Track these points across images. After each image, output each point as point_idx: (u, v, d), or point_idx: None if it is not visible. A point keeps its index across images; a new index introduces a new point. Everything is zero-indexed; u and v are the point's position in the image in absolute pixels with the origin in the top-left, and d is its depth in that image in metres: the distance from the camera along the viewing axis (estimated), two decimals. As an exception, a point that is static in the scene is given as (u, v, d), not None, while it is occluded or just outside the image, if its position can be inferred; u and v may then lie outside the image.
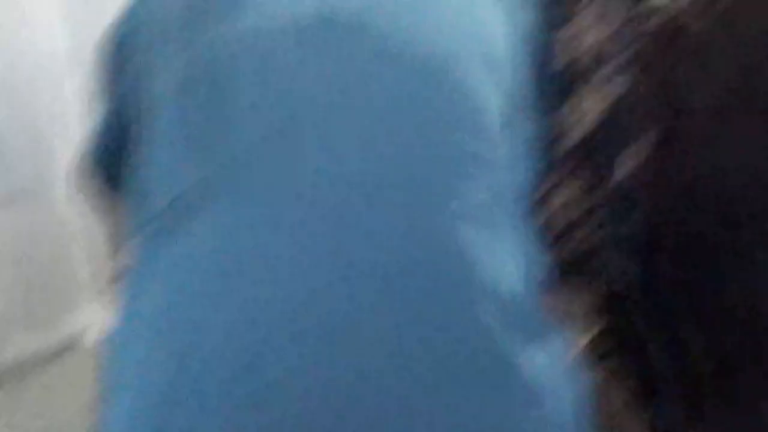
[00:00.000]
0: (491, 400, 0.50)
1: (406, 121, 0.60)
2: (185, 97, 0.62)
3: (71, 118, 1.36)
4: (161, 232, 0.59)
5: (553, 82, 0.69)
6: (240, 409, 0.49)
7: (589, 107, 0.66)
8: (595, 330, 0.67)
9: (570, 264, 0.65)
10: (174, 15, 0.68)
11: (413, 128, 0.60)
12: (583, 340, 0.66)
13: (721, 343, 0.62)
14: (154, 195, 0.62)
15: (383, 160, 0.57)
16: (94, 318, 1.45)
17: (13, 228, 1.41)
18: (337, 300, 0.51)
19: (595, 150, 0.65)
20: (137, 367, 0.54)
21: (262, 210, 0.56)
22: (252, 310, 0.52)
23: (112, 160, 0.74)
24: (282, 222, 0.54)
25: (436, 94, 0.61)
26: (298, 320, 0.51)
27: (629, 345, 0.67)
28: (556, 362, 0.55)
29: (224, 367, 0.50)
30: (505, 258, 0.56)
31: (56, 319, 1.48)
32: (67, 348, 1.46)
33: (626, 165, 0.64)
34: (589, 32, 0.66)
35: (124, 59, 0.72)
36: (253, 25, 0.63)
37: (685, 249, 0.62)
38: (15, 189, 1.40)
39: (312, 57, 0.60)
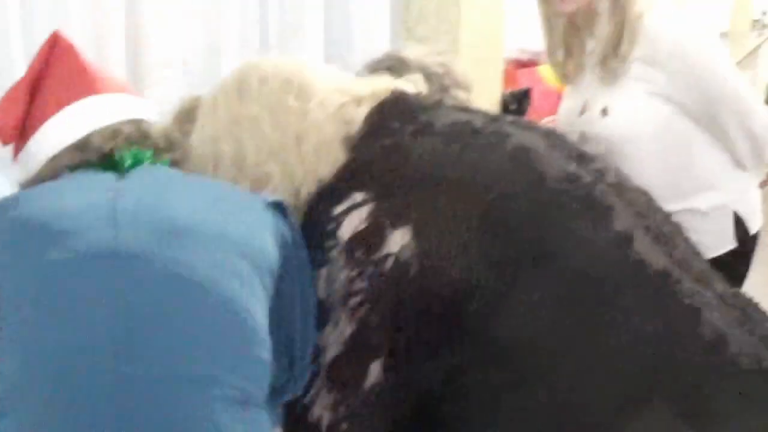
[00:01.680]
0: None
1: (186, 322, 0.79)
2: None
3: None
4: None
5: (316, 308, 0.91)
6: None
7: (341, 331, 0.88)
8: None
9: None
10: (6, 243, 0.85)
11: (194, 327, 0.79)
12: None
13: None
14: None
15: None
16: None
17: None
18: None
19: (346, 363, 0.89)
20: None
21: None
22: None
23: None
24: None
25: (205, 307, 0.80)
26: None
27: None
28: None
29: None
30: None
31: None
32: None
33: (372, 375, 0.88)
34: (338, 275, 0.88)
35: None
36: (59, 256, 0.80)
37: None
38: None
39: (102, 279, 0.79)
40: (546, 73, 2.96)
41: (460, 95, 1.40)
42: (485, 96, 2.52)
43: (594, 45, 1.54)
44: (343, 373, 0.91)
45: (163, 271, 0.82)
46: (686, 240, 1.10)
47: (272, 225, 0.92)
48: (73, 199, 0.89)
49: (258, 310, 0.86)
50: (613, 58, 1.47)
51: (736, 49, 5.51)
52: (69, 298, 0.81)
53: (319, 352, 0.92)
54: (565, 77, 1.65)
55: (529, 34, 3.16)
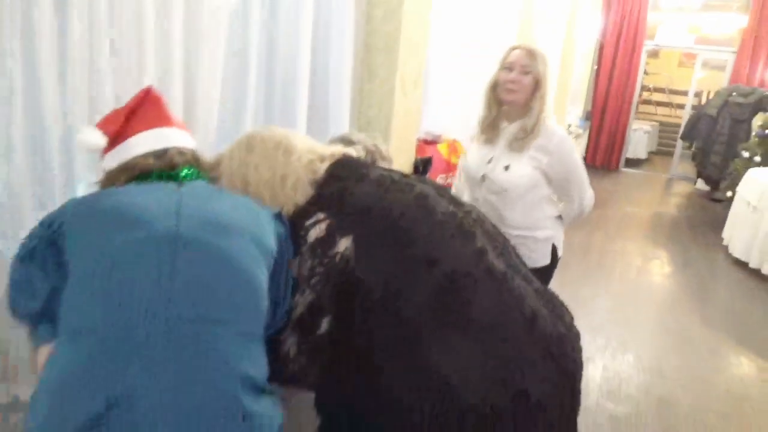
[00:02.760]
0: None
1: (219, 285, 1.02)
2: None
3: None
4: None
5: (290, 282, 1.17)
6: None
7: (305, 298, 1.19)
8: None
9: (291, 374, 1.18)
10: (92, 225, 1.02)
11: (224, 291, 1.03)
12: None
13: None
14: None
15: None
16: None
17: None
18: None
19: (306, 318, 1.18)
20: None
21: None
22: None
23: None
24: None
25: (233, 275, 1.04)
26: None
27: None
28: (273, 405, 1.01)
29: None
30: (257, 357, 1.02)
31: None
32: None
33: (323, 326, 1.18)
34: (306, 263, 1.19)
35: (56, 243, 1.04)
36: (136, 236, 0.99)
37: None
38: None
39: (165, 254, 0.99)
40: (442, 149, 3.44)
41: (384, 163, 1.77)
42: (405, 159, 2.96)
43: (507, 124, 2.03)
44: (305, 324, 1.17)
45: (208, 250, 1.01)
46: (517, 255, 1.41)
47: (274, 226, 1.15)
48: (145, 197, 1.06)
49: (263, 280, 1.07)
50: (524, 139, 1.96)
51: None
52: (138, 263, 0.96)
53: (291, 309, 1.17)
54: (482, 137, 2.12)
55: (431, 122, 3.68)
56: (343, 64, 2.49)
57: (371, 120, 2.73)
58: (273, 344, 1.15)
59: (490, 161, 2.06)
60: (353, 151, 1.43)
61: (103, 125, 1.23)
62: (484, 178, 2.05)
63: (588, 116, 9.13)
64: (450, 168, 3.54)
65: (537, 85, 1.97)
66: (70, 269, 0.98)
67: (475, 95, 4.16)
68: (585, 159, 9.06)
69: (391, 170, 1.42)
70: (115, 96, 1.53)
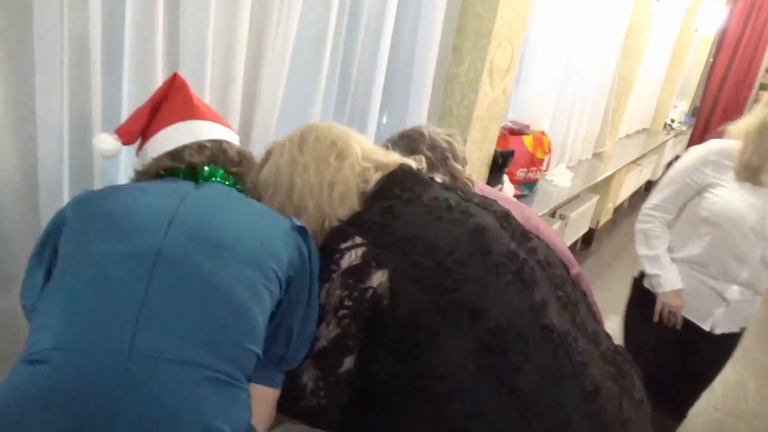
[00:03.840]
0: None
1: (216, 306, 0.89)
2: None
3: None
4: None
5: (315, 306, 1.04)
6: None
7: (330, 331, 1.04)
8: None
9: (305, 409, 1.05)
10: (83, 227, 0.93)
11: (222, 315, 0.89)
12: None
13: None
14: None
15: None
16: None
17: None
18: None
19: (330, 354, 1.04)
20: None
21: None
22: None
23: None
24: None
25: (217, 306, 0.89)
26: None
27: None
28: None
29: None
30: (232, 406, 0.89)
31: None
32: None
33: (346, 365, 1.05)
34: (335, 292, 1.04)
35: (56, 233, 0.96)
36: (123, 249, 0.88)
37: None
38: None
39: (139, 275, 0.87)
40: (527, 141, 3.20)
41: (457, 166, 1.58)
42: (484, 152, 2.74)
43: None
44: (326, 360, 1.04)
45: (190, 273, 0.87)
46: (588, 305, 1.21)
47: (293, 242, 1.01)
48: (150, 200, 0.96)
49: (258, 314, 0.92)
50: None
51: (651, 140, 6.42)
52: (106, 284, 0.84)
53: (313, 338, 1.04)
54: (752, 178, 1.90)
55: (519, 111, 3.43)
56: (429, 46, 2.31)
57: (452, 107, 2.54)
58: (291, 373, 1.06)
59: None
60: (413, 162, 1.26)
61: (128, 125, 1.15)
62: None
63: (695, 112, 8.44)
64: (534, 162, 3.29)
65: None
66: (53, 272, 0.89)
67: (574, 86, 3.89)
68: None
69: (451, 189, 1.24)
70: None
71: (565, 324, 1.09)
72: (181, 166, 1.07)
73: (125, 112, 1.39)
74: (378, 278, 1.03)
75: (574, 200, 4.07)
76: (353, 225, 1.10)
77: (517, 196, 3.18)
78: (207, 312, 0.87)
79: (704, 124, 8.38)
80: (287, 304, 0.99)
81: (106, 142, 1.12)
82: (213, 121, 1.17)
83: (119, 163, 1.43)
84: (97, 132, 1.22)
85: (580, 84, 3.91)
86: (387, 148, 1.37)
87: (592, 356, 1.08)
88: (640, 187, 6.75)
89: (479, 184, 1.77)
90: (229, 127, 1.21)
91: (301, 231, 1.05)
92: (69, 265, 0.88)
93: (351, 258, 1.05)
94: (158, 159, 1.10)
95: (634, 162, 5.60)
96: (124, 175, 1.44)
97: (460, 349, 1.01)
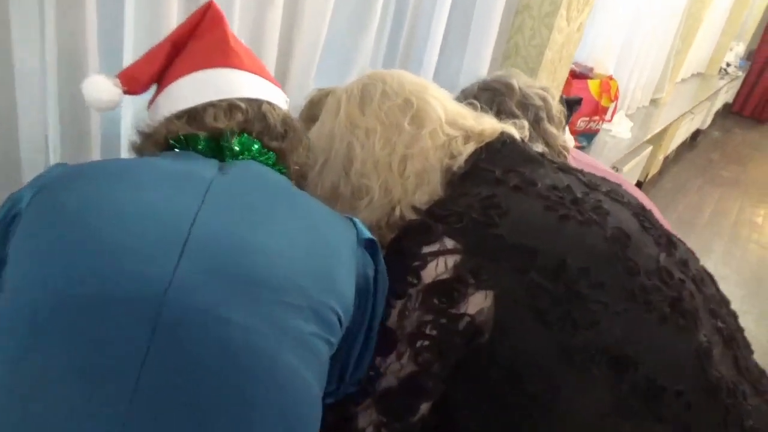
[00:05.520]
0: None
1: None
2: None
3: None
4: None
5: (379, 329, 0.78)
6: None
7: (402, 366, 0.78)
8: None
9: None
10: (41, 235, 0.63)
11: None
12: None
13: None
14: None
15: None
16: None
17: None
18: None
19: (399, 396, 0.78)
20: None
21: None
22: None
23: None
24: None
25: (250, 391, 0.61)
26: None
27: None
28: None
29: None
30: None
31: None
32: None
33: (420, 412, 0.79)
34: (412, 313, 0.77)
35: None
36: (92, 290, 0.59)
37: None
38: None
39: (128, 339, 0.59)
40: (593, 86, 2.82)
41: (551, 130, 1.26)
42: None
43: None
44: (395, 404, 0.80)
45: (213, 342, 0.57)
46: (743, 335, 0.92)
47: (360, 266, 0.74)
48: (152, 197, 0.65)
49: (314, 383, 0.65)
50: None
51: (706, 86, 5.89)
52: (78, 356, 0.55)
53: (376, 373, 0.79)
54: None
55: (584, 51, 3.01)
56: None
57: (519, 45, 2.16)
58: (342, 413, 0.80)
59: None
60: (515, 130, 0.94)
61: (136, 67, 0.84)
62: None
63: (750, 56, 7.82)
64: (598, 111, 2.91)
65: None
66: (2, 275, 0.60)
67: (645, 25, 3.43)
68: (732, 106, 7.90)
69: (567, 171, 0.92)
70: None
71: (731, 373, 0.80)
72: (200, 134, 0.76)
73: (129, 51, 1.07)
74: (477, 303, 0.75)
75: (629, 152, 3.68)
76: (439, 219, 0.81)
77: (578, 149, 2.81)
78: (232, 396, 0.58)
79: (759, 69, 7.77)
80: (345, 338, 0.73)
81: (100, 87, 0.81)
82: (254, 72, 0.85)
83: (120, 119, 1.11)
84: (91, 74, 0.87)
85: (650, 22, 3.45)
86: (471, 105, 1.03)
87: (762, 418, 0.80)
88: (687, 137, 6.26)
89: (573, 152, 1.39)
90: (276, 84, 0.88)
91: (371, 247, 0.75)
92: (15, 299, 0.59)
93: (438, 269, 0.77)
94: (169, 120, 0.78)
95: (690, 111, 5.16)
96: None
97: (594, 413, 0.73)
